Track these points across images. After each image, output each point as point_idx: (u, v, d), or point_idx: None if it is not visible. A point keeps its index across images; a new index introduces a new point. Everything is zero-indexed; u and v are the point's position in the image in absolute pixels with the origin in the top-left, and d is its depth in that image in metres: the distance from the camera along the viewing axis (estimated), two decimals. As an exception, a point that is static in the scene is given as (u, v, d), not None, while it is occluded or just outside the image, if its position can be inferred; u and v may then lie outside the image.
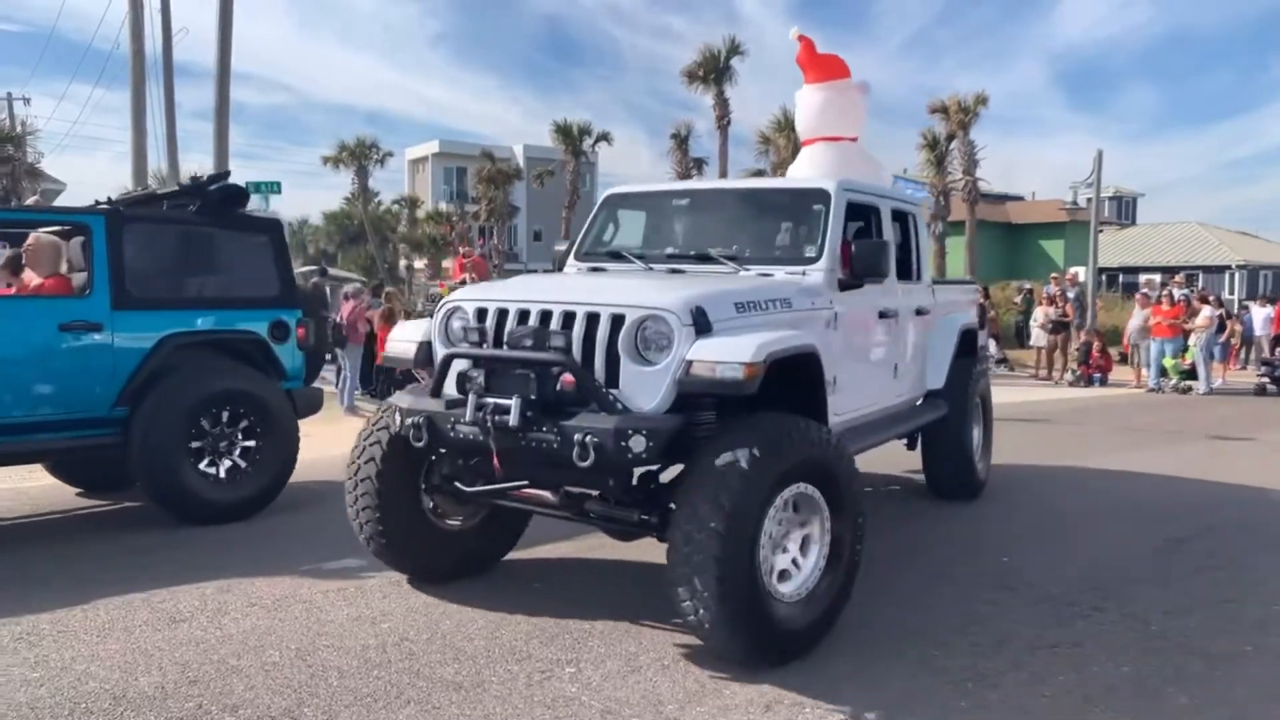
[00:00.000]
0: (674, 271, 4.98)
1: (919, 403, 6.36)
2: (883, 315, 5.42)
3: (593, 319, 3.89)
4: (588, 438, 3.57)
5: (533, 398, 3.76)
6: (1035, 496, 7.23)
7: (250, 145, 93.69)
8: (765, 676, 3.71)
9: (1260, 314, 18.76)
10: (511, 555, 5.36)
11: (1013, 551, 5.62)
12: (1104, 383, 16.86)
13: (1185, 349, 15.96)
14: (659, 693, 3.57)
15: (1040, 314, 18.02)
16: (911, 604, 4.63)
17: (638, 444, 3.56)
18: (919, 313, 6.01)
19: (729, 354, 3.68)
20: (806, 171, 6.76)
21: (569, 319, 3.93)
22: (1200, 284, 30.32)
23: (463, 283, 13.01)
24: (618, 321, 3.85)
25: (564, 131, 33.58)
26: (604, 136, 34.78)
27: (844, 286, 4.83)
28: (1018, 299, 22.28)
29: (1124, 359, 17.88)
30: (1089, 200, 23.16)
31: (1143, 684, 3.73)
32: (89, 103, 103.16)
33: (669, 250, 5.37)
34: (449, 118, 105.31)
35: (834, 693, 3.59)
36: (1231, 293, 34.24)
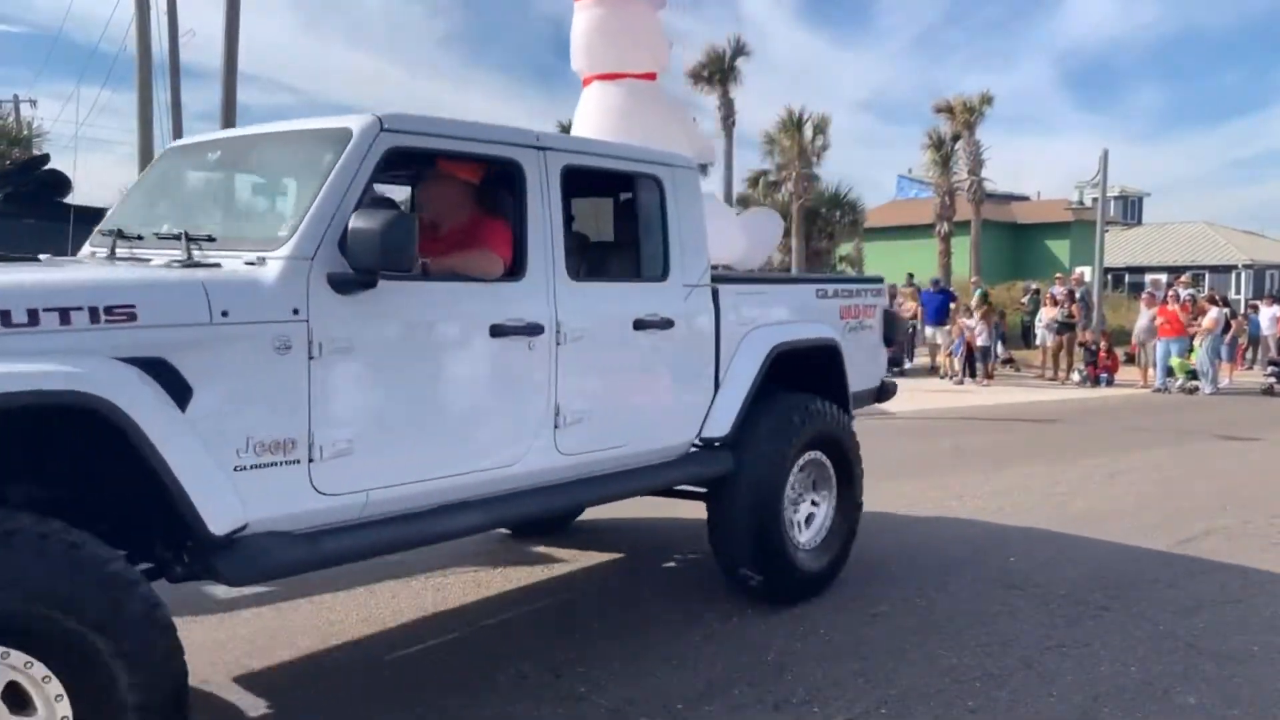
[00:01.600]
0: (123, 259, 3.35)
1: (670, 457, 4.21)
2: (502, 330, 3.38)
3: None
4: None
5: None
6: (1041, 496, 7.22)
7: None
8: (771, 677, 3.73)
9: (1267, 313, 18.72)
10: (516, 555, 5.39)
11: (1020, 551, 5.62)
12: (1110, 383, 16.83)
13: (1191, 349, 15.93)
14: (668, 691, 3.59)
15: (1045, 314, 18.00)
16: (918, 603, 4.64)
17: None
18: (648, 325, 3.93)
19: None
20: (588, 124, 5.41)
21: None
22: (1207, 283, 30.26)
23: None
24: None
25: (569, 131, 33.58)
26: (609, 137, 34.77)
27: (344, 284, 2.96)
28: (1024, 299, 22.25)
29: (1130, 359, 17.85)
30: (1095, 200, 23.15)
31: (1151, 684, 3.73)
32: (95, 104, 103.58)
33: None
34: (455, 117, 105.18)
35: (841, 691, 3.60)
36: (1238, 292, 34.14)
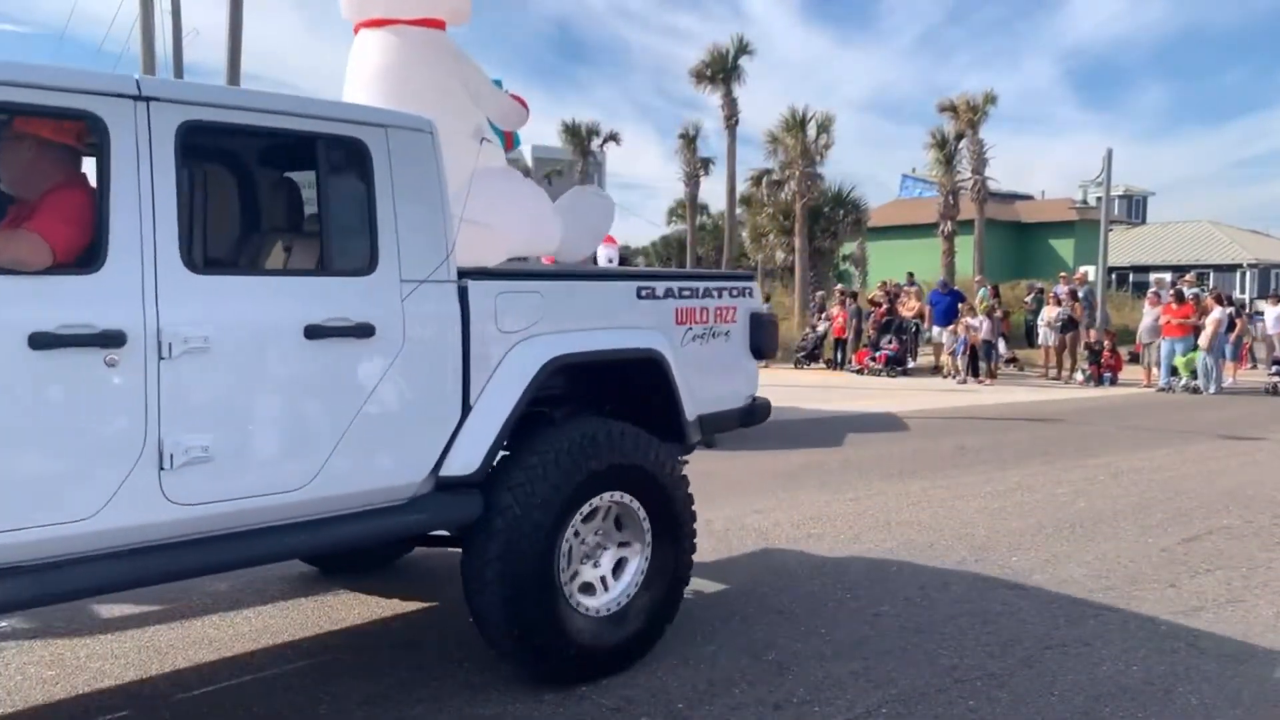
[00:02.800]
0: None
1: (383, 502, 3.31)
2: (50, 340, 2.58)
3: None
4: None
5: None
6: (1044, 496, 7.21)
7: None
8: (772, 677, 3.73)
9: (1272, 313, 18.66)
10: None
11: (1021, 551, 5.61)
12: (1114, 382, 16.80)
13: (1195, 348, 15.90)
14: (669, 691, 3.59)
15: (1048, 313, 17.99)
16: (919, 603, 4.64)
17: None
18: (330, 333, 3.08)
19: None
20: (351, 82, 4.53)
21: None
22: (1211, 283, 30.20)
23: None
24: None
25: (572, 131, 33.60)
26: (612, 136, 34.79)
27: None
28: (1028, 298, 22.23)
29: (1134, 359, 17.82)
30: (1099, 199, 23.10)
31: (1153, 684, 3.73)
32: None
33: None
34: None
35: (842, 690, 3.61)
36: (1243, 291, 34.08)
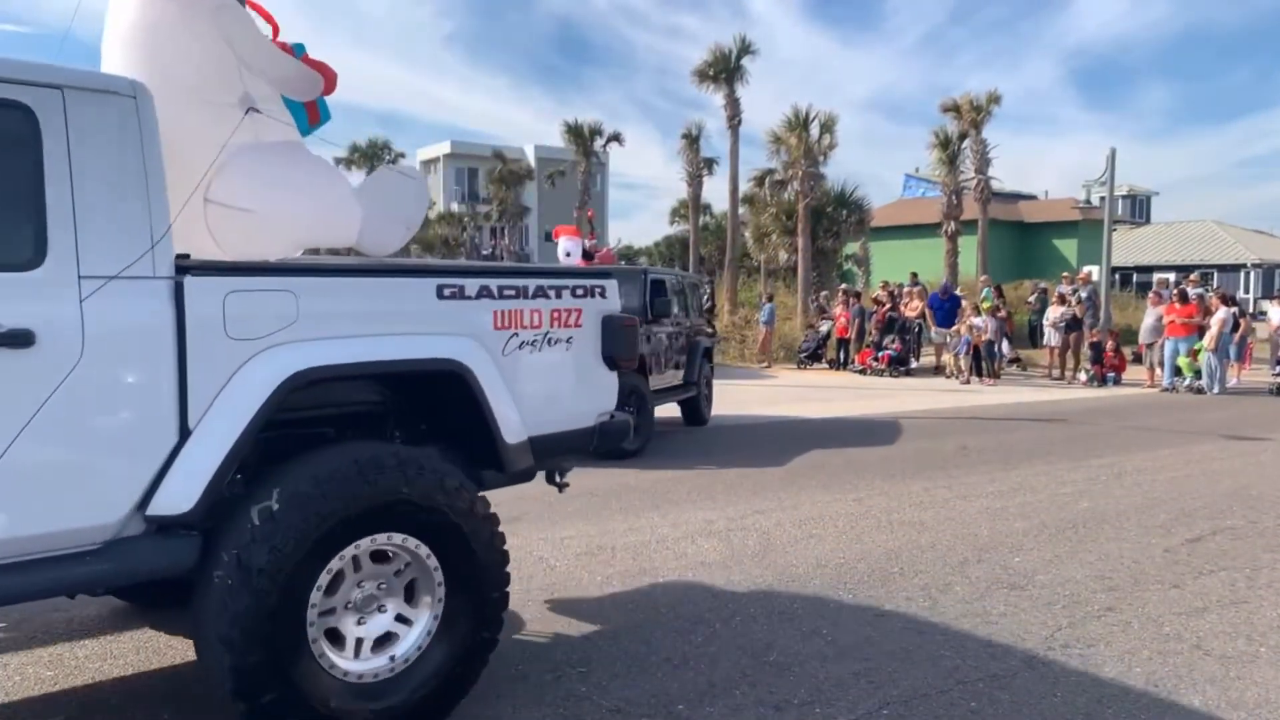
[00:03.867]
0: None
1: (65, 548, 2.71)
2: None
3: None
4: None
5: None
6: (1047, 497, 7.19)
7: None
8: (773, 678, 3.71)
9: (1277, 312, 18.61)
10: (519, 554, 5.39)
11: (1024, 551, 5.59)
12: (1118, 382, 16.77)
13: (1198, 348, 15.85)
14: (669, 692, 3.58)
15: (1052, 313, 17.96)
16: (922, 603, 4.62)
17: None
18: None
19: None
20: (110, 45, 3.88)
21: None
22: (1215, 283, 30.14)
23: None
24: None
25: (575, 131, 33.58)
26: (615, 136, 34.77)
27: None
28: (1031, 298, 22.20)
29: (1138, 359, 17.78)
30: (1102, 199, 23.04)
31: (1156, 685, 3.71)
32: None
33: None
34: (461, 118, 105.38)
35: (843, 691, 3.59)
36: (1247, 291, 34.04)
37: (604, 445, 3.99)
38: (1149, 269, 35.06)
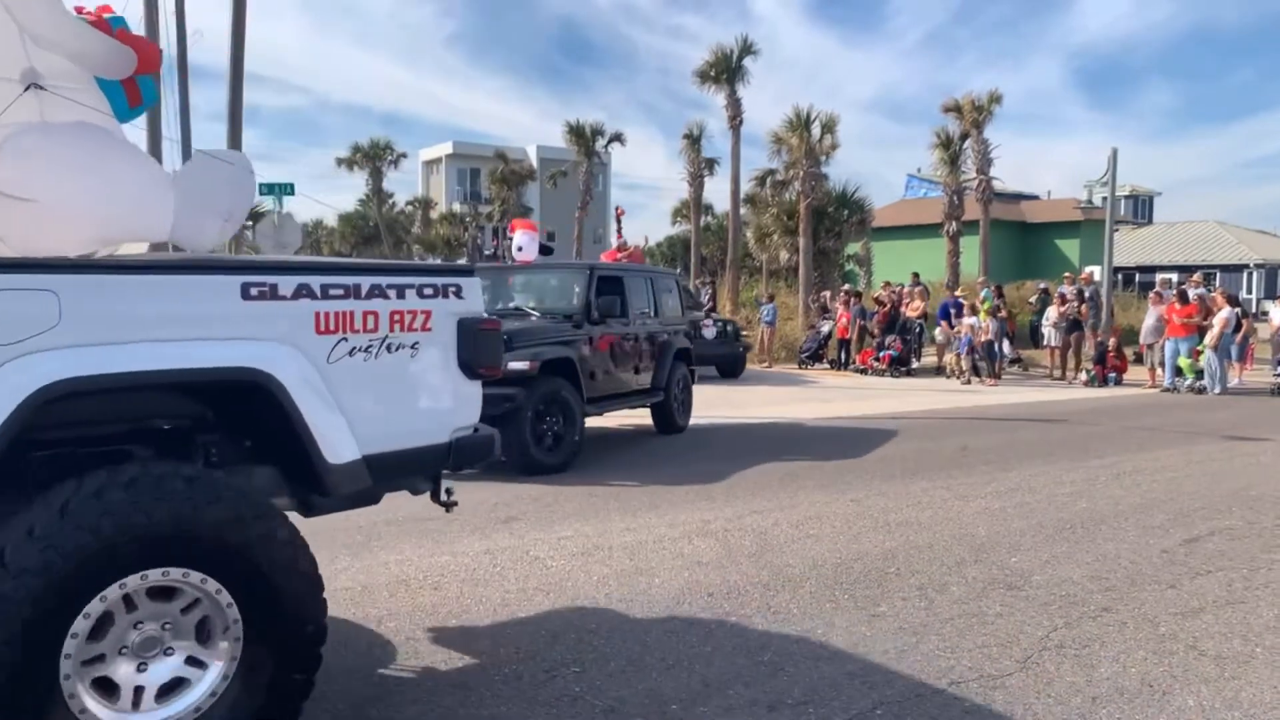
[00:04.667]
0: None
1: None
2: None
3: None
4: None
5: None
6: (1045, 497, 7.18)
7: (268, 147, 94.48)
8: (767, 678, 3.71)
9: (1278, 313, 18.58)
10: (513, 554, 5.40)
11: (1021, 551, 5.59)
12: (1119, 383, 16.76)
13: (1200, 349, 15.83)
14: (663, 692, 3.58)
15: (1052, 313, 17.95)
16: (918, 604, 4.62)
17: None
18: None
19: None
20: None
21: None
22: (1218, 283, 30.10)
23: None
24: None
25: (577, 132, 33.61)
26: (617, 137, 34.81)
27: None
28: (1033, 299, 22.19)
29: (1139, 359, 17.76)
30: (1104, 199, 23.02)
31: (1151, 686, 3.70)
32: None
33: None
34: (463, 119, 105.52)
35: (837, 692, 3.59)
36: (1250, 292, 33.99)
37: (462, 464, 3.59)
38: (1151, 269, 35.03)
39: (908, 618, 4.42)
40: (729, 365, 17.76)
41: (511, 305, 9.41)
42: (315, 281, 3.11)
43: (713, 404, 12.81)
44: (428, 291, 3.41)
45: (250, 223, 20.97)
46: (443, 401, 3.50)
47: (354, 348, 3.19)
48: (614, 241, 19.62)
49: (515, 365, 7.70)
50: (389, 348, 3.28)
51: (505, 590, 4.79)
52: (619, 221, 20.70)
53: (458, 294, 3.50)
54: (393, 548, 5.55)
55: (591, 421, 10.69)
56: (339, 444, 3.08)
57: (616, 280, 9.68)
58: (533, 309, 9.25)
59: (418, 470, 3.54)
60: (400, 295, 3.33)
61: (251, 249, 16.43)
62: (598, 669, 3.79)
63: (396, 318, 3.31)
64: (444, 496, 3.69)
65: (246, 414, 3.13)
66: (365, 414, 3.18)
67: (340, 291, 3.17)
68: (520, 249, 10.08)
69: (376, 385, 3.26)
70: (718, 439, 10.38)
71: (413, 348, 3.35)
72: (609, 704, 3.47)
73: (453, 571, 5.11)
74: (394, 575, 5.00)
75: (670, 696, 3.54)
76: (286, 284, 3.05)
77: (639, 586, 4.87)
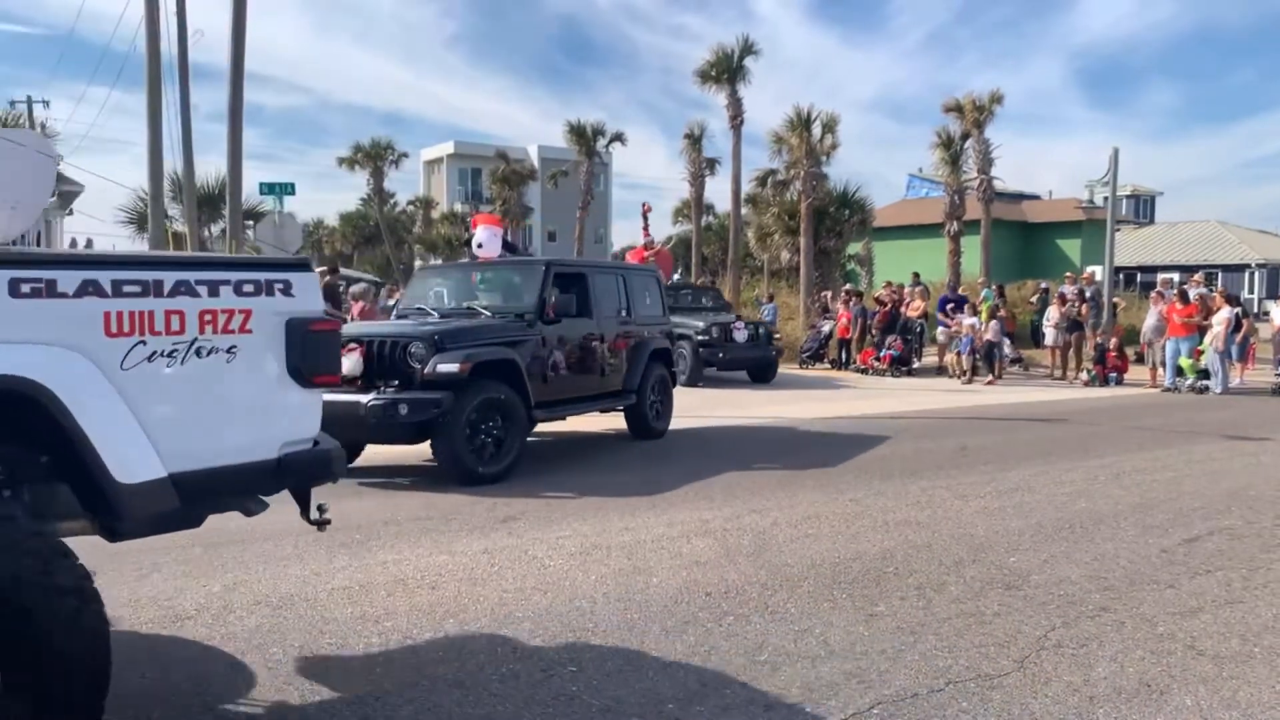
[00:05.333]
0: None
1: None
2: None
3: None
4: None
5: None
6: (1044, 497, 7.17)
7: (269, 147, 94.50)
8: (764, 677, 3.71)
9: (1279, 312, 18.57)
10: (512, 554, 5.39)
11: (1020, 551, 5.58)
12: (1120, 383, 16.74)
13: (1200, 349, 15.82)
14: (659, 691, 3.57)
15: (1053, 313, 17.94)
16: (915, 603, 4.61)
17: None
18: None
19: None
20: None
21: None
22: (1220, 283, 30.08)
23: None
24: None
25: (578, 132, 33.59)
26: (618, 137, 34.78)
27: None
28: (1034, 299, 22.17)
29: (1140, 359, 17.75)
30: (1106, 199, 22.99)
31: (1148, 685, 3.69)
32: (106, 105, 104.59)
33: None
34: (464, 119, 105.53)
35: (834, 691, 3.58)
36: (1251, 291, 33.96)
37: (293, 483, 3.21)
38: (1153, 269, 34.98)
39: (906, 617, 4.42)
40: (760, 369, 16.82)
41: (464, 304, 9.04)
42: (105, 277, 2.75)
43: (713, 404, 12.81)
44: (247, 288, 3.05)
45: (251, 223, 20.94)
46: (268, 413, 3.13)
47: (155, 352, 2.84)
48: (641, 239, 18.34)
49: (444, 368, 7.32)
50: (198, 352, 2.94)
51: (503, 590, 4.78)
52: (645, 219, 18.41)
53: (285, 291, 3.13)
54: (391, 547, 5.56)
55: (589, 424, 10.71)
56: (133, 461, 2.72)
57: (578, 277, 9.24)
58: (486, 308, 8.84)
59: (240, 490, 3.15)
60: (212, 293, 2.97)
61: (253, 249, 16.42)
62: (595, 668, 3.78)
63: (207, 318, 2.95)
64: (315, 514, 3.38)
65: (41, 427, 2.68)
66: (170, 428, 2.84)
67: (136, 289, 2.82)
68: (480, 245, 9.64)
69: (184, 395, 2.91)
70: (717, 439, 10.37)
71: (228, 352, 3.01)
72: (606, 703, 3.47)
73: (450, 571, 5.11)
74: (392, 575, 5.00)
75: (667, 696, 3.54)
76: (68, 280, 2.69)
77: (637, 586, 4.86)
